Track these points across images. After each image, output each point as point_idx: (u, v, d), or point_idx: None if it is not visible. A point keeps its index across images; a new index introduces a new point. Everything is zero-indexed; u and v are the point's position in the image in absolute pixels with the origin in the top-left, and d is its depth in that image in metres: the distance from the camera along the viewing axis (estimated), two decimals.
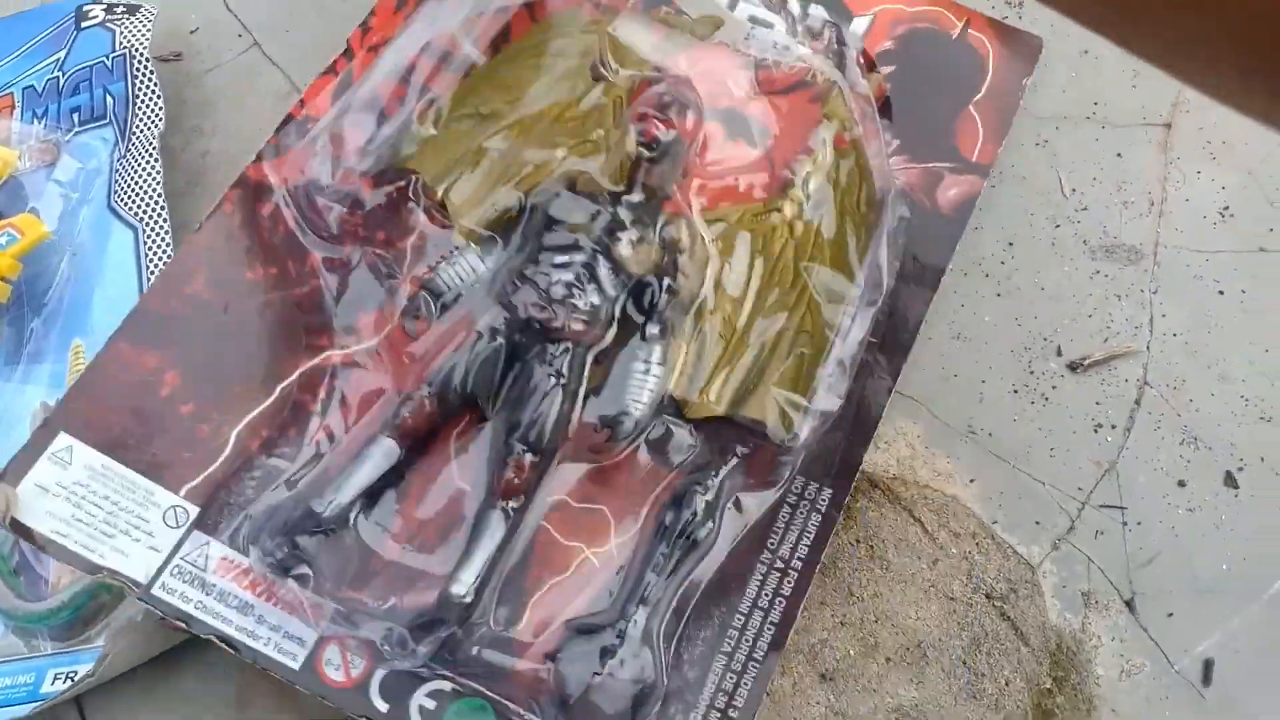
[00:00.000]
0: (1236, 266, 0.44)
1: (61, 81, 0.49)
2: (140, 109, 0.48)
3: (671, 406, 0.40)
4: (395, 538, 0.38)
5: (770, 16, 0.46)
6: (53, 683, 0.38)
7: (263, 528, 0.37)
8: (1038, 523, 0.41)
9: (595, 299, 0.39)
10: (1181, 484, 0.41)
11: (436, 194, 0.41)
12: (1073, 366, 0.43)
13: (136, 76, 0.48)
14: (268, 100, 0.49)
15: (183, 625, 0.36)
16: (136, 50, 0.48)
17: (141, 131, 0.47)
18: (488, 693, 0.36)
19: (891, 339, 0.41)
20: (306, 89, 0.43)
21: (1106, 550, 0.40)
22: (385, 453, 0.38)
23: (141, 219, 0.46)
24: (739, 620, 0.38)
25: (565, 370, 0.38)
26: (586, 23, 0.45)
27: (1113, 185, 0.46)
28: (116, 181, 0.47)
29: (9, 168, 0.47)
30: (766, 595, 0.38)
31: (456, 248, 0.41)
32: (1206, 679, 0.39)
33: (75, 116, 0.48)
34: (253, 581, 0.37)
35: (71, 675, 0.37)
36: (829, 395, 0.40)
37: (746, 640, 0.38)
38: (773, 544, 0.39)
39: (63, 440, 0.37)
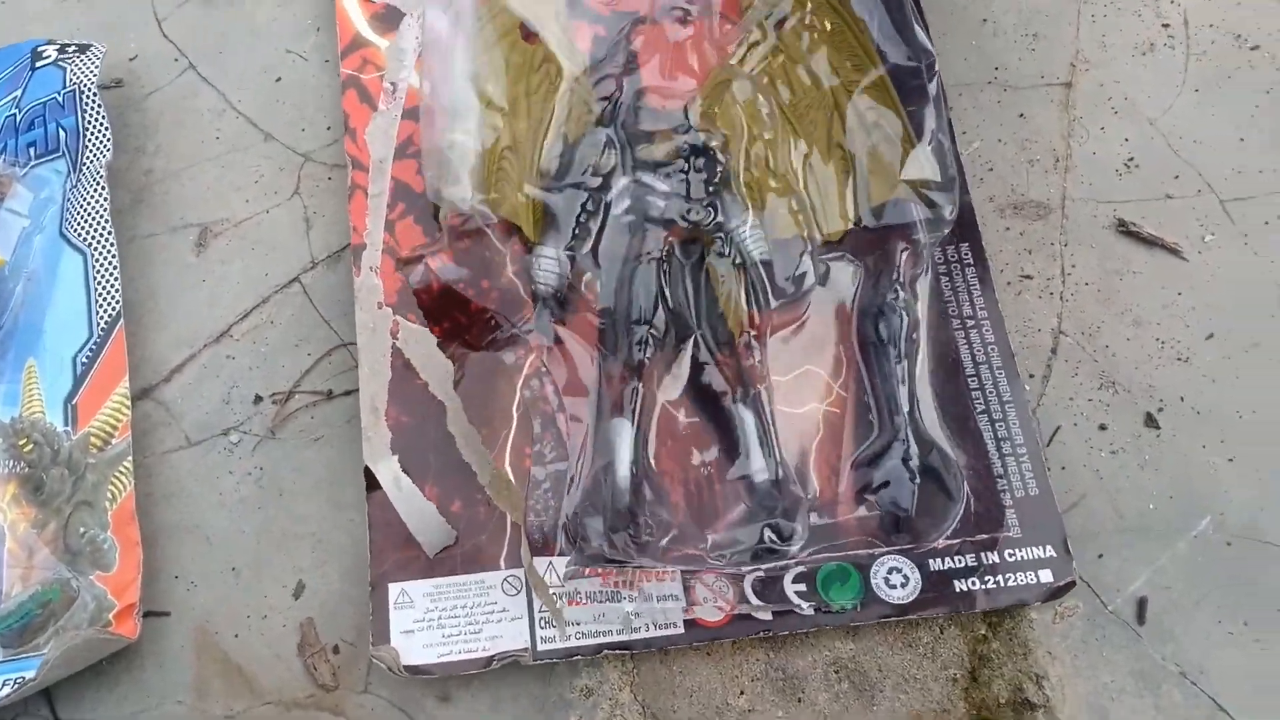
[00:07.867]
0: (1144, 215, 0.45)
1: (18, 118, 0.52)
2: (90, 140, 0.50)
3: (822, 247, 0.43)
4: (672, 478, 0.40)
5: None
6: (1, 688, 0.39)
7: (582, 525, 0.38)
8: None
9: (705, 180, 0.43)
10: (1103, 427, 0.42)
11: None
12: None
13: (86, 110, 0.50)
14: (205, 118, 0.51)
15: (576, 658, 0.38)
16: (86, 85, 0.51)
17: (91, 161, 0.49)
18: (833, 554, 0.39)
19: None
20: None
21: None
22: (624, 430, 0.40)
23: (90, 244, 0.47)
24: (973, 383, 0.41)
25: (736, 252, 0.42)
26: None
27: (1017, 145, 0.47)
28: (68, 210, 0.49)
29: None
30: (979, 350, 0.42)
31: (531, 252, 0.43)
32: (1140, 617, 0.39)
33: (32, 150, 0.51)
34: (603, 576, 0.39)
35: (20, 681, 0.39)
36: (932, 165, 0.43)
37: (989, 392, 0.41)
38: (954, 310, 0.42)
39: (394, 589, 0.40)
